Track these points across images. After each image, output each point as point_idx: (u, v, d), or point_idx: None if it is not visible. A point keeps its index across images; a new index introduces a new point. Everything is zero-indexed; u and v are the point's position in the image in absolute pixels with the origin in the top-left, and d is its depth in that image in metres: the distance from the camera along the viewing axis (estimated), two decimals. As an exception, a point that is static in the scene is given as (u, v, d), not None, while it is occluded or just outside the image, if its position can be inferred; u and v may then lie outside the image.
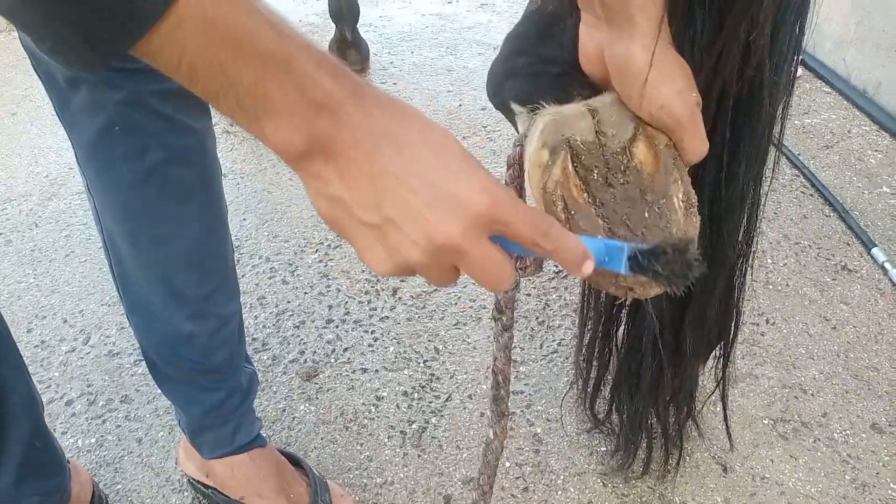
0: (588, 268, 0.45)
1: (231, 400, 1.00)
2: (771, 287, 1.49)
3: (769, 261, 1.56)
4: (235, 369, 0.99)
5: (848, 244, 1.60)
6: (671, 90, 0.55)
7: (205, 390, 0.98)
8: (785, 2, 0.65)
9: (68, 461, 0.99)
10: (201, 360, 0.95)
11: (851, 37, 2.12)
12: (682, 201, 0.59)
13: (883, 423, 1.22)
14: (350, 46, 2.27)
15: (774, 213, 1.69)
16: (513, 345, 0.68)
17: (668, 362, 0.99)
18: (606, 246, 0.47)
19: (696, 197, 0.60)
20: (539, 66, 0.65)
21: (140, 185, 0.82)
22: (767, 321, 1.41)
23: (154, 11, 0.35)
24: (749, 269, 0.94)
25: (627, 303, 1.00)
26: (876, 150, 1.91)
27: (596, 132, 0.57)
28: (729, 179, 0.80)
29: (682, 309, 0.93)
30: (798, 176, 1.82)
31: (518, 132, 0.68)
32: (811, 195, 1.75)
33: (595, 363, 1.10)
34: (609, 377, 1.10)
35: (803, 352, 1.35)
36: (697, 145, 0.58)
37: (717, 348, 1.06)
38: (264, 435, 1.10)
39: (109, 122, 0.77)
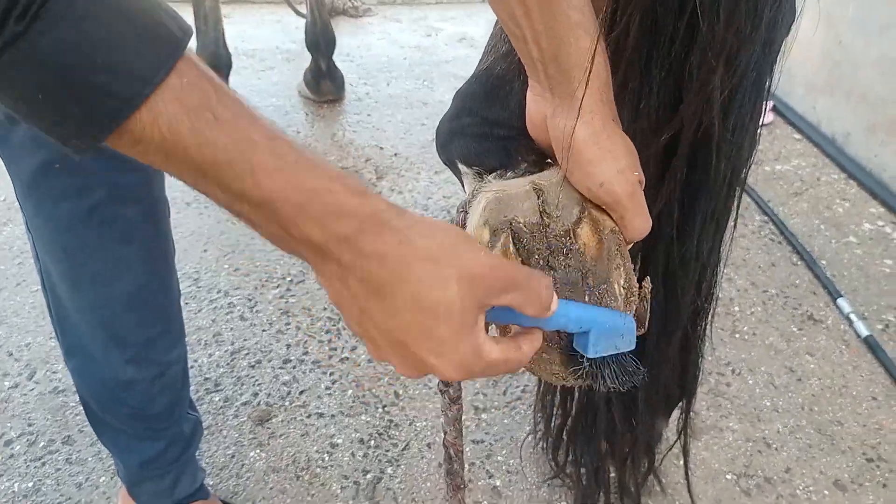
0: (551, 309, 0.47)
1: (171, 450, 0.95)
2: (738, 336, 1.48)
3: (736, 308, 1.55)
4: (177, 417, 0.95)
5: (814, 293, 1.60)
6: (612, 168, 0.53)
7: (144, 439, 0.93)
8: (745, 70, 0.64)
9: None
10: (141, 407, 0.91)
11: (822, 84, 2.15)
12: (624, 288, 0.57)
13: (845, 479, 1.20)
14: (325, 77, 2.25)
15: (743, 260, 1.69)
16: (462, 415, 0.65)
17: (621, 416, 0.97)
18: (598, 317, 0.51)
19: (636, 284, 0.59)
20: (485, 127, 0.63)
21: (80, 225, 0.78)
22: (733, 371, 1.40)
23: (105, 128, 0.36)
24: (707, 326, 0.92)
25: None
26: (844, 199, 1.92)
27: (540, 212, 0.56)
28: (683, 237, 0.78)
29: (638, 367, 0.91)
30: (767, 222, 1.82)
31: (465, 190, 0.66)
32: (780, 242, 1.76)
33: (556, 410, 1.07)
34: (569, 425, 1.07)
35: (768, 404, 1.33)
36: (639, 224, 0.57)
37: (677, 406, 1.04)
38: (209, 484, 1.05)
39: (49, 158, 0.74)
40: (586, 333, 0.52)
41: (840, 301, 1.54)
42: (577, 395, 1.03)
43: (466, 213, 0.58)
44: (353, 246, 0.40)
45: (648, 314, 0.60)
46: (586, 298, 0.57)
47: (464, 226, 0.58)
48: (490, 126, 0.62)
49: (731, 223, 0.83)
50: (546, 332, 0.53)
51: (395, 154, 2.07)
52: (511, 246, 0.55)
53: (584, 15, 0.49)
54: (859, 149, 2.01)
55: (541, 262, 0.55)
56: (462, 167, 0.65)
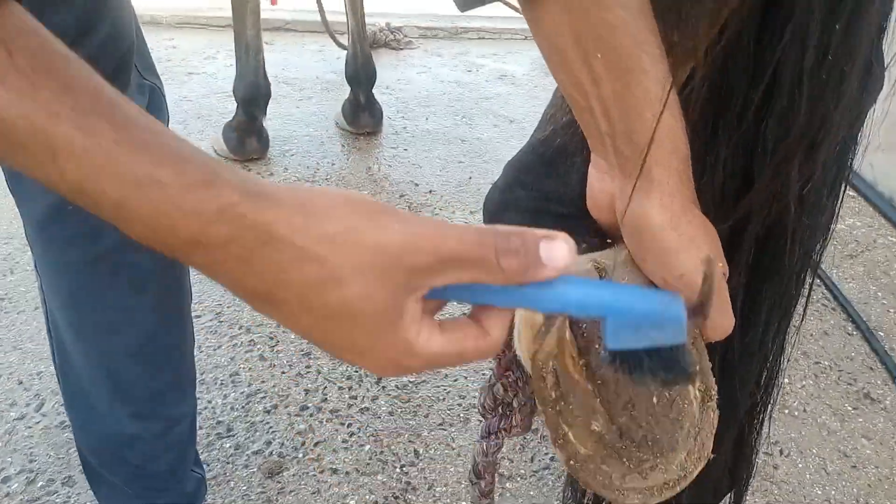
0: (559, 254, 0.35)
1: (172, 510, 0.88)
2: (787, 412, 1.37)
3: (786, 381, 1.44)
4: (181, 476, 0.89)
5: (871, 368, 1.48)
6: (694, 258, 0.45)
7: (143, 499, 0.87)
8: (829, 150, 0.56)
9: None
10: (143, 464, 0.84)
11: (881, 140, 2.05)
12: (700, 390, 0.49)
13: (907, 587, 1.08)
14: (363, 109, 2.21)
15: (793, 326, 1.58)
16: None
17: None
18: (617, 300, 0.38)
19: (715, 387, 0.50)
20: (541, 202, 0.56)
21: (88, 271, 0.73)
22: (782, 452, 1.29)
23: None
24: (766, 420, 0.82)
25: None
26: (903, 265, 1.80)
27: None
28: (746, 327, 0.70)
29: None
30: (819, 286, 1.71)
31: None
32: (833, 309, 1.64)
33: (588, 496, 0.98)
34: (602, 515, 0.97)
35: (819, 493, 1.22)
36: (721, 322, 0.48)
37: (727, 495, 0.94)
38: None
39: (62, 199, 0.69)
40: (603, 319, 0.38)
41: (900, 379, 1.43)
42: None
43: None
44: (204, 252, 0.31)
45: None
46: (655, 401, 0.48)
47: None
48: (547, 201, 0.55)
49: (799, 309, 0.75)
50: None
51: (430, 191, 2.01)
52: (568, 332, 0.47)
53: (664, 89, 0.42)
54: (920, 212, 1.90)
55: (602, 352, 0.48)
56: None
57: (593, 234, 0.52)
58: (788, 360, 1.49)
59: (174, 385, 0.84)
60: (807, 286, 0.74)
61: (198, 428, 1.12)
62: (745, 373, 0.73)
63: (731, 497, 0.94)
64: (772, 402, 0.81)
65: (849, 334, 1.57)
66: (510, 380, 0.58)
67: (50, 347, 0.82)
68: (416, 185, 2.05)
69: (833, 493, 1.22)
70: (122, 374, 0.79)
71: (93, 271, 0.73)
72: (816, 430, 1.33)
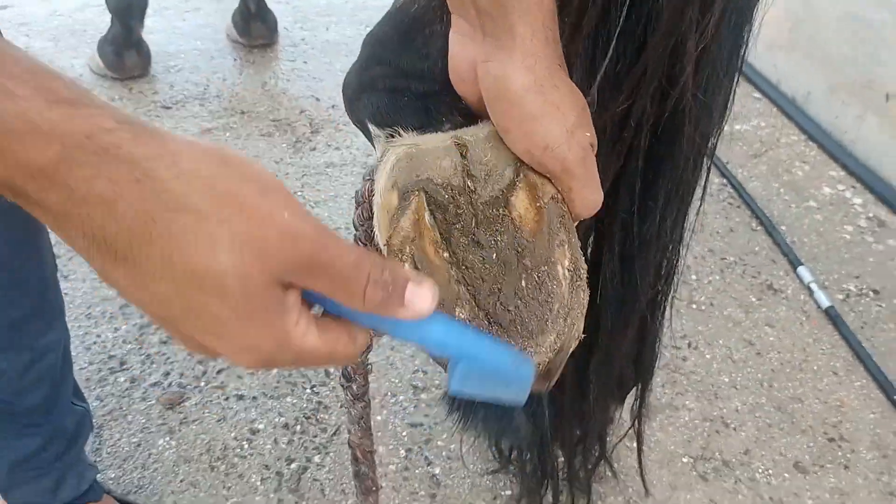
0: (422, 303, 0.34)
1: (51, 447, 0.81)
2: (694, 307, 1.39)
3: (693, 277, 1.46)
4: (59, 410, 0.80)
5: (774, 261, 1.52)
6: (559, 127, 0.41)
7: (16, 436, 0.79)
8: (727, 7, 0.52)
9: None
10: (9, 400, 0.76)
11: (784, 42, 2.06)
12: (569, 269, 0.45)
13: (806, 461, 1.13)
14: (255, 19, 2.05)
15: (701, 226, 1.60)
16: (370, 413, 0.54)
17: (570, 406, 0.86)
18: (475, 349, 0.37)
19: (584, 265, 0.46)
20: (400, 80, 0.49)
21: None
22: (690, 345, 1.31)
23: None
24: (667, 309, 0.81)
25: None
26: (804, 162, 1.85)
27: (464, 174, 0.43)
28: (643, 214, 0.67)
29: (587, 352, 0.80)
30: (726, 185, 1.74)
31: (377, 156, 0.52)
32: (738, 207, 1.67)
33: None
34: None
35: (726, 380, 1.25)
36: (589, 196, 0.45)
37: (632, 390, 0.94)
38: (109, 478, 0.91)
39: None
40: (456, 363, 0.38)
41: (800, 270, 1.47)
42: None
43: (373, 180, 0.45)
44: (59, 190, 0.26)
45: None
46: (523, 283, 0.45)
47: (370, 197, 0.45)
48: (406, 78, 0.49)
49: (696, 198, 0.72)
50: None
51: (333, 106, 1.89)
52: (426, 214, 0.43)
53: None
54: (820, 110, 1.94)
55: (464, 236, 0.43)
56: (373, 129, 0.52)
57: (457, 113, 0.47)
58: (696, 258, 1.52)
59: (36, 314, 0.75)
60: (704, 173, 0.71)
61: (88, 364, 1.03)
62: (644, 261, 0.70)
63: (636, 390, 0.94)
64: (673, 291, 0.80)
65: (753, 230, 1.61)
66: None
67: None
68: (318, 99, 1.93)
69: (739, 378, 1.26)
70: None
71: None
72: (723, 322, 1.37)
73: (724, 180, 1.74)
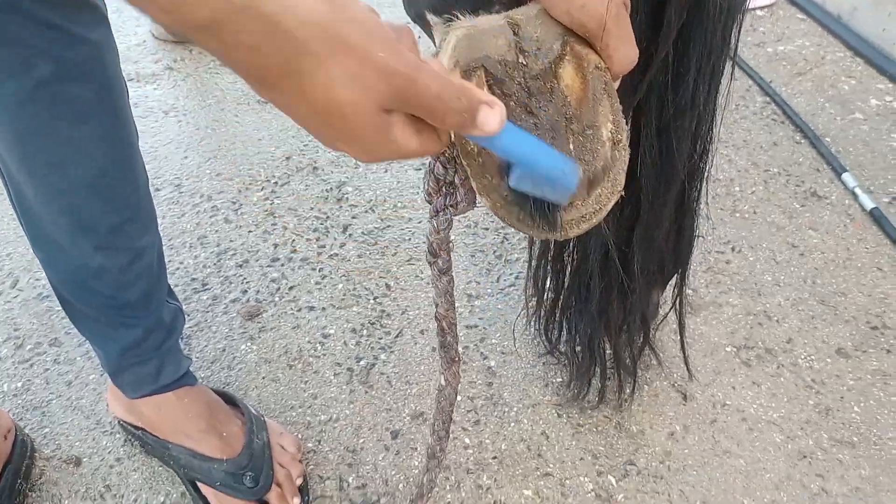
0: (491, 124, 0.42)
1: (152, 337, 0.92)
2: (738, 215, 1.43)
3: (737, 188, 1.50)
4: (155, 305, 0.92)
5: (818, 170, 1.54)
6: None
7: (121, 327, 0.90)
8: None
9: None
10: (114, 294, 0.87)
11: (827, -40, 2.04)
12: (611, 132, 0.52)
13: (848, 347, 1.18)
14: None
15: (744, 141, 1.63)
16: (454, 287, 0.62)
17: (615, 284, 0.93)
18: (530, 155, 0.46)
19: (626, 130, 0.53)
20: None
21: (28, 104, 0.72)
22: (733, 249, 1.36)
23: None
24: (703, 186, 0.87)
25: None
26: (850, 77, 1.84)
27: (517, 50, 0.50)
28: (677, 82, 0.73)
29: (629, 227, 0.87)
30: (769, 103, 1.75)
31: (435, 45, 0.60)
32: (782, 122, 1.69)
33: (549, 282, 1.03)
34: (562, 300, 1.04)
35: (769, 279, 1.30)
36: (625, 52, 0.51)
37: (673, 276, 1.00)
38: (198, 374, 1.03)
39: None
40: (517, 166, 0.47)
41: (845, 176, 1.49)
42: (569, 268, 0.99)
43: None
44: (212, 37, 0.35)
45: (623, 168, 0.54)
46: (571, 146, 0.52)
47: None
48: None
49: (727, 71, 0.78)
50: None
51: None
52: (485, 87, 0.50)
53: None
54: (866, 24, 1.91)
55: (519, 105, 0.50)
56: (431, 17, 0.59)
57: None
58: (739, 171, 1.55)
59: (134, 218, 0.85)
60: (732, 44, 0.76)
61: (173, 287, 1.15)
62: (680, 130, 0.76)
63: (677, 278, 1.00)
64: (708, 166, 0.86)
65: (797, 143, 1.62)
66: (448, 157, 0.60)
67: (7, 194, 0.83)
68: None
69: (782, 277, 1.30)
70: (81, 208, 0.80)
71: (33, 104, 0.72)
72: (766, 228, 1.40)
73: (768, 98, 1.76)
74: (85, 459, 1.03)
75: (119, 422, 1.04)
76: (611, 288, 0.95)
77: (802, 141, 1.62)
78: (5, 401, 1.10)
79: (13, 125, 0.75)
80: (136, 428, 1.00)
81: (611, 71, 0.54)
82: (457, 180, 0.62)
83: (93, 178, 0.80)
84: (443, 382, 0.72)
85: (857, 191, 1.45)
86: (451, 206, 0.61)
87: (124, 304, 0.89)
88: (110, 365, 0.94)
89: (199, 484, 0.95)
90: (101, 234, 0.83)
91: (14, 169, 0.79)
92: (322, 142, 0.42)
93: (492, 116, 0.42)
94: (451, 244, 0.74)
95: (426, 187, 0.62)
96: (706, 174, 0.87)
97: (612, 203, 0.55)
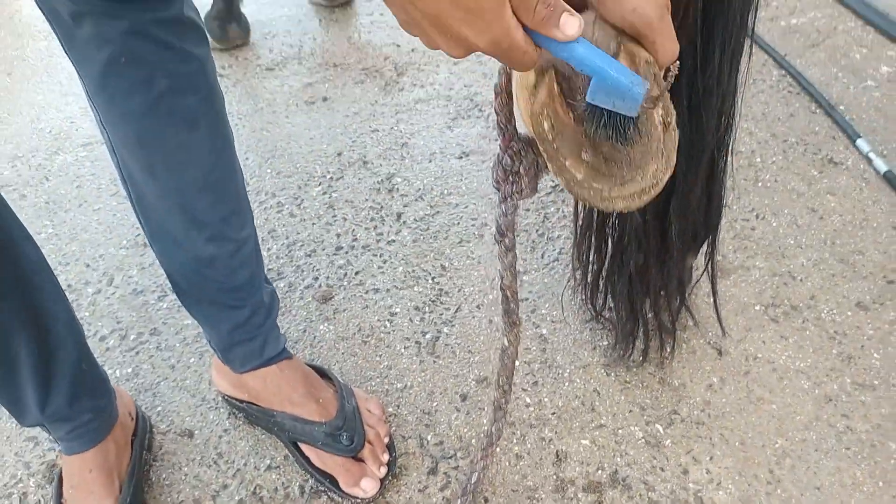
0: (570, 28, 0.50)
1: (256, 316, 1.07)
2: (760, 184, 1.55)
3: (758, 160, 1.61)
4: (257, 287, 1.06)
5: (834, 138, 1.65)
6: None
7: (231, 308, 1.04)
8: None
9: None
10: (224, 280, 1.01)
11: (836, -68, 2.11)
12: (662, 116, 0.62)
13: (867, 300, 1.29)
14: (232, 21, 2.12)
15: (762, 114, 1.74)
16: (517, 262, 0.74)
17: (653, 251, 1.06)
18: (603, 69, 0.53)
19: (674, 113, 0.64)
20: None
21: (149, 115, 0.85)
22: (757, 216, 1.48)
23: None
24: (728, 156, 0.99)
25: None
26: (861, 46, 1.93)
27: None
28: (704, 66, 0.85)
29: (666, 199, 0.99)
30: (785, 76, 1.85)
31: None
32: (798, 94, 1.79)
33: (592, 254, 1.16)
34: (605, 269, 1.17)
35: (792, 242, 1.42)
36: (669, 46, 0.61)
37: (704, 242, 1.13)
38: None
39: (115, 53, 0.79)
40: (590, 78, 0.54)
41: (859, 142, 1.59)
42: (610, 240, 1.12)
43: (509, 72, 0.63)
44: None
45: (674, 147, 0.65)
46: (629, 130, 0.63)
47: (507, 87, 0.63)
48: None
49: (745, 52, 0.90)
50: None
51: (413, 49, 2.10)
52: (556, 85, 0.61)
53: None
54: (876, -7, 2.00)
55: (584, 100, 0.61)
56: None
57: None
58: (759, 143, 1.66)
59: (236, 211, 0.98)
60: (750, 23, 0.88)
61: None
62: (709, 108, 0.88)
63: (708, 245, 1.13)
64: (733, 138, 0.98)
65: (812, 113, 1.73)
66: (515, 150, 0.72)
67: (127, 195, 0.96)
68: (398, 45, 2.14)
69: (804, 240, 1.42)
70: (193, 205, 0.93)
71: (154, 115, 0.85)
72: (787, 195, 1.52)
73: (783, 71, 1.86)
74: (196, 432, 1.18)
75: (224, 397, 1.19)
76: (649, 255, 1.08)
77: (818, 110, 1.73)
78: (120, 385, 1.26)
79: (137, 134, 0.88)
80: (241, 401, 1.15)
81: (658, 63, 0.65)
82: (521, 170, 0.74)
83: (203, 176, 0.92)
84: (506, 343, 0.86)
85: (872, 155, 1.55)
86: (517, 192, 0.73)
87: (232, 287, 1.02)
88: (221, 343, 1.08)
89: (301, 445, 1.10)
90: (211, 226, 0.96)
91: (136, 172, 0.92)
92: (437, 26, 0.48)
93: (573, 20, 0.48)
94: (516, 226, 0.86)
95: (495, 176, 0.74)
96: (731, 146, 1.00)
97: (667, 178, 0.67)
